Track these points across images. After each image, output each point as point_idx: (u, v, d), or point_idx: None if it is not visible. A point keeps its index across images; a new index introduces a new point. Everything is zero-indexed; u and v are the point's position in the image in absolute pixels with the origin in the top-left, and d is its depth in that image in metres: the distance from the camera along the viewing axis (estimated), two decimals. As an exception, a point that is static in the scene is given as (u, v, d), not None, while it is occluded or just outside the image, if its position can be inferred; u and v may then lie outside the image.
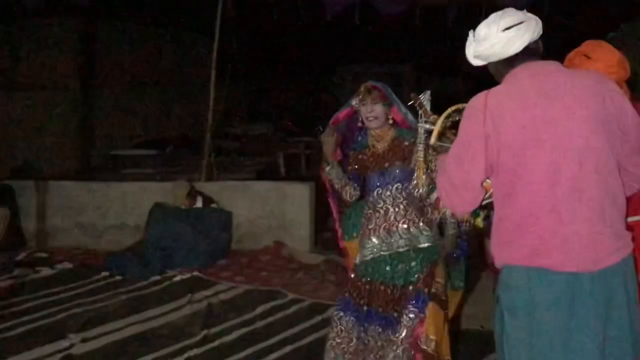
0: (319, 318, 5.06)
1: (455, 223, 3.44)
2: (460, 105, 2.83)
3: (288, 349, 4.48)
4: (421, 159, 3.22)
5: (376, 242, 3.55)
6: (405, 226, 3.49)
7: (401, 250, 3.51)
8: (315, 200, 7.01)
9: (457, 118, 2.82)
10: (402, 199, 3.50)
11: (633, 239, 2.32)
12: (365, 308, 3.55)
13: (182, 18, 10.55)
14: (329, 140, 3.51)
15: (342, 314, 3.61)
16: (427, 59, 16.06)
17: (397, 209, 3.50)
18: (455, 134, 2.73)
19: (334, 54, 14.84)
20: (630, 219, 2.46)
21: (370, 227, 3.56)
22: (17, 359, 4.31)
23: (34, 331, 4.83)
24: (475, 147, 2.30)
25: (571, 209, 2.20)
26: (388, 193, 3.52)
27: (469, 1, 7.88)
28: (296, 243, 6.89)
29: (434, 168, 3.24)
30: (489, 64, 2.44)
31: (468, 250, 3.69)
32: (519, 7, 2.40)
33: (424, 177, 3.26)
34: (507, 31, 2.32)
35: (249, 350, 4.45)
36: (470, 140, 2.33)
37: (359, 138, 3.63)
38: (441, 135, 2.99)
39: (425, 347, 3.55)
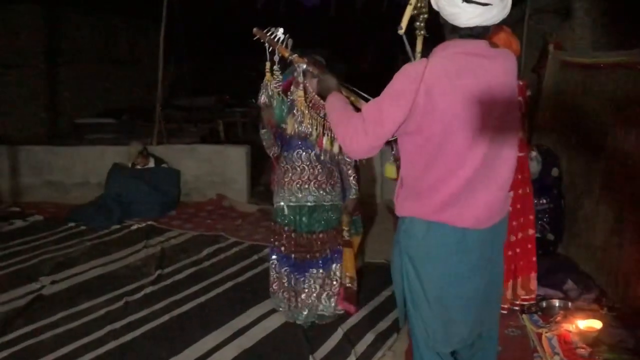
0: (255, 257, 4.93)
1: (357, 189, 3.56)
2: None
3: (230, 284, 4.34)
4: (302, 97, 2.98)
5: (286, 193, 3.48)
6: (315, 187, 3.45)
7: (309, 204, 3.47)
8: (250, 161, 6.84)
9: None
10: (317, 164, 3.45)
11: None
12: (293, 257, 3.50)
13: (134, 7, 10.06)
14: (269, 110, 3.27)
15: (276, 262, 3.57)
16: (340, 44, 15.95)
17: (311, 170, 3.44)
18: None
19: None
20: None
21: (285, 179, 3.47)
22: (-6, 300, 4.01)
23: (9, 275, 4.51)
24: (400, 106, 1.94)
25: (477, 177, 1.99)
26: (306, 155, 3.43)
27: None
28: (235, 195, 6.70)
29: (310, 107, 3.10)
30: (440, 16, 2.02)
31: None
32: None
33: (306, 112, 3.03)
34: (469, 4, 1.91)
35: (197, 286, 4.29)
36: (399, 98, 1.95)
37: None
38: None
39: (347, 284, 3.57)
